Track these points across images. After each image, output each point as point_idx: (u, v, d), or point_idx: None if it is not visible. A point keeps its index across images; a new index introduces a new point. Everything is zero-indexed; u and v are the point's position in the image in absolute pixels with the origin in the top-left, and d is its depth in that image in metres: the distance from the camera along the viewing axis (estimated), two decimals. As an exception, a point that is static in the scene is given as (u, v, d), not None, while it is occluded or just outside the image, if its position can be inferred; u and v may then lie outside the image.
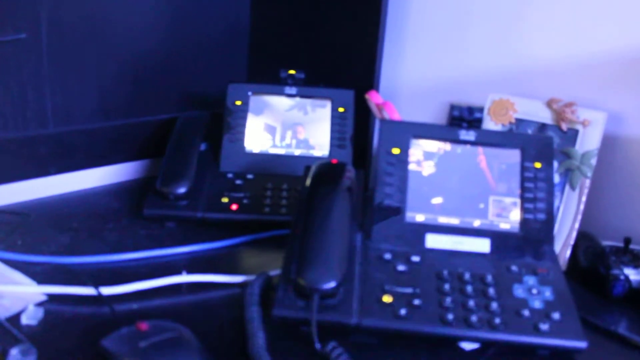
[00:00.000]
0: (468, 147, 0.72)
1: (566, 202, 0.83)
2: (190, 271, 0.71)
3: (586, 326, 0.67)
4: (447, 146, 0.72)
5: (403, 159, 0.71)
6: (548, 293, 0.64)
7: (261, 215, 0.85)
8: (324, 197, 0.67)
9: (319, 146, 0.94)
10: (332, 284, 0.60)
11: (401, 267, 0.65)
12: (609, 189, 0.87)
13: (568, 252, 0.81)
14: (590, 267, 0.77)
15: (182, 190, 0.85)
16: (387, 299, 0.62)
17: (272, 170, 0.92)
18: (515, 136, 0.78)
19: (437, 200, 0.71)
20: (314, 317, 0.58)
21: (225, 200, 0.87)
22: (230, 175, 0.91)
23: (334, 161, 0.77)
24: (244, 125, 0.94)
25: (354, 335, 0.61)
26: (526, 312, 0.62)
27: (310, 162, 0.73)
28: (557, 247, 0.81)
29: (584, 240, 0.81)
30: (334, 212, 0.65)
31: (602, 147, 0.83)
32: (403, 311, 0.61)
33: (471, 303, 0.62)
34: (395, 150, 0.71)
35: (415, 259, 0.67)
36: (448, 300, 0.62)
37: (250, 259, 0.80)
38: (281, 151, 0.94)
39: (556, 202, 0.83)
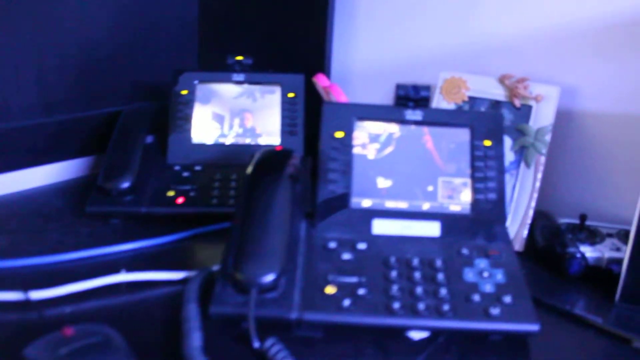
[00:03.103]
0: (415, 127, 0.69)
1: (522, 180, 0.80)
2: (133, 269, 0.68)
3: (542, 307, 0.65)
4: (393, 127, 0.70)
5: (347, 143, 0.68)
6: (500, 276, 0.62)
7: (208, 208, 0.82)
8: (264, 186, 0.64)
9: (269, 133, 0.91)
10: (270, 277, 0.57)
11: (346, 256, 0.63)
12: (565, 165, 0.85)
13: (525, 232, 0.78)
14: (547, 246, 0.75)
15: (125, 185, 0.81)
16: (330, 290, 0.59)
17: (221, 161, 0.88)
18: (464, 114, 0.75)
19: (384, 184, 0.68)
20: (251, 312, 0.55)
21: (171, 193, 0.83)
22: (177, 167, 0.87)
23: (279, 148, 0.74)
24: (190, 115, 0.90)
25: (297, 330, 0.58)
26: (476, 297, 0.59)
27: (259, 150, 0.70)
28: (514, 226, 0.79)
29: (541, 218, 0.79)
30: (274, 201, 0.63)
31: (557, 122, 0.81)
32: (347, 302, 0.58)
33: (419, 290, 0.59)
34: (339, 134, 0.68)
35: (362, 246, 0.64)
36: (394, 288, 0.60)
37: (197, 253, 0.77)
38: (230, 140, 0.90)
39: (512, 181, 0.80)
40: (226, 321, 0.58)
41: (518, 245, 0.78)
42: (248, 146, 0.90)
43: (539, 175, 0.79)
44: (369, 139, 0.69)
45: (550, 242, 0.74)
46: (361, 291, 0.59)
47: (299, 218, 0.67)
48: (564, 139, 0.84)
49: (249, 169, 0.67)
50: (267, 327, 0.57)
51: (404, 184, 0.68)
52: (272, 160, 0.68)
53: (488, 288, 0.60)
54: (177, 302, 0.62)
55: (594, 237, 0.74)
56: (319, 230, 0.65)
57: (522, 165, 0.81)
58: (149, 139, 0.90)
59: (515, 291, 0.60)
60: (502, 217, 0.67)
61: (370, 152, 0.69)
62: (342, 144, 0.68)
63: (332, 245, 0.64)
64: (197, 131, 0.90)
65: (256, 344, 0.54)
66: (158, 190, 0.84)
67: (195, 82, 0.92)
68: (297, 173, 0.69)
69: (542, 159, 0.80)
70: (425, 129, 0.69)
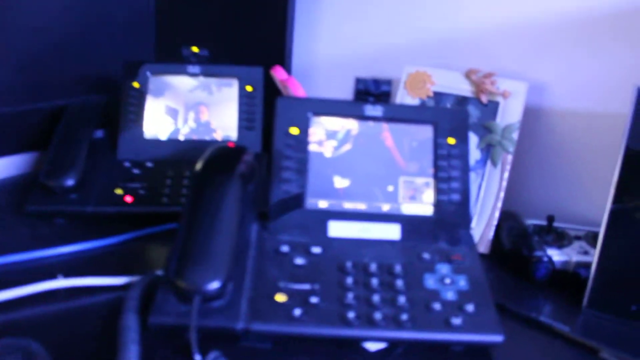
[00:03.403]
0: (374, 123, 0.66)
1: (488, 179, 0.77)
2: (75, 273, 0.63)
3: (506, 314, 0.62)
4: (351, 123, 0.66)
5: (302, 140, 0.64)
6: (462, 282, 0.58)
7: (158, 207, 0.77)
8: (212, 186, 0.60)
9: (226, 129, 0.86)
10: (215, 284, 0.52)
11: (299, 261, 0.59)
12: (533, 165, 0.82)
13: (491, 233, 0.75)
14: (513, 249, 0.71)
15: (69, 182, 0.76)
16: (280, 298, 0.55)
17: (174, 157, 0.84)
18: (427, 110, 0.71)
19: (341, 184, 0.64)
20: (193, 323, 0.51)
21: (119, 191, 0.78)
22: (127, 164, 0.82)
23: (231, 144, 0.69)
24: (142, 109, 0.85)
25: (244, 341, 0.54)
26: (437, 306, 0.55)
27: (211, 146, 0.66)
28: (480, 227, 0.75)
29: (508, 220, 0.76)
30: (222, 201, 0.58)
31: (525, 119, 0.78)
32: (298, 311, 0.54)
33: (376, 298, 0.56)
34: (294, 130, 0.64)
35: (316, 250, 0.60)
36: (350, 296, 0.56)
37: (145, 256, 0.72)
38: (184, 136, 0.85)
39: (478, 180, 0.77)
40: (168, 332, 0.54)
41: (483, 247, 0.75)
42: (203, 142, 0.85)
43: (506, 175, 0.76)
44: (326, 135, 0.65)
45: (516, 244, 0.71)
46: (314, 299, 0.55)
47: (251, 220, 0.62)
48: (532, 137, 0.81)
49: (198, 167, 0.62)
50: (213, 338, 0.53)
51: (362, 184, 0.64)
52: (222, 158, 0.64)
53: (450, 295, 0.57)
54: (117, 311, 0.58)
55: (561, 239, 0.71)
56: (272, 232, 0.61)
57: (489, 163, 0.77)
58: (99, 134, 0.86)
59: (479, 299, 0.57)
60: (466, 220, 0.64)
61: (327, 150, 0.65)
62: (297, 141, 0.64)
63: (285, 249, 0.60)
64: (149, 126, 0.85)
65: (197, 358, 0.50)
66: (106, 188, 0.79)
67: (148, 74, 0.86)
68: (250, 171, 0.65)
69: (509, 158, 0.76)
70: (385, 126, 0.65)
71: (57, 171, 0.77)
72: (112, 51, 0.99)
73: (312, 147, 0.64)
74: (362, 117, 0.65)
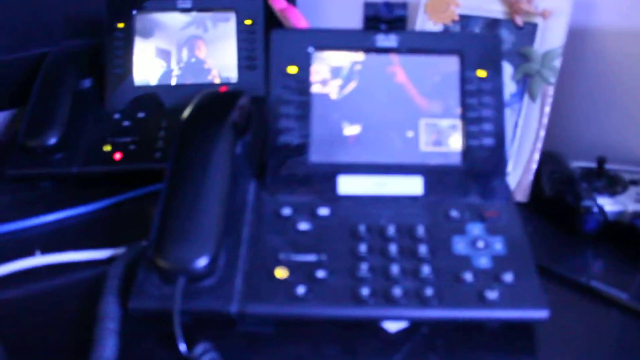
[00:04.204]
0: (382, 56, 0.55)
1: (526, 116, 0.67)
2: (59, 246, 0.56)
3: (551, 278, 0.53)
4: (361, 57, 0.55)
5: (303, 79, 0.54)
6: (499, 245, 0.49)
7: (150, 163, 0.69)
8: (197, 140, 0.51)
9: (225, 69, 0.76)
10: (202, 262, 0.44)
11: (303, 226, 0.50)
12: (579, 96, 0.72)
13: (530, 179, 0.65)
14: (557, 197, 0.62)
15: (51, 141, 0.69)
16: (280, 273, 0.47)
17: (168, 105, 0.75)
18: (451, 38, 0.60)
19: (351, 131, 0.54)
20: (176, 308, 0.43)
21: (107, 148, 0.70)
22: (116, 116, 0.74)
23: (223, 89, 0.60)
24: (130, 53, 0.76)
25: (241, 325, 0.46)
26: (468, 276, 0.46)
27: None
28: (517, 173, 0.66)
29: (549, 162, 0.66)
30: (209, 158, 0.49)
31: (568, 44, 0.67)
32: (301, 289, 0.45)
33: (394, 269, 0.47)
34: (292, 69, 0.54)
35: (324, 211, 0.51)
36: (364, 268, 0.47)
37: (136, 221, 0.64)
38: (178, 80, 0.76)
39: (513, 117, 0.67)
40: (152, 318, 0.46)
41: (521, 195, 0.65)
42: (200, 85, 0.76)
43: (547, 110, 0.66)
44: (331, 73, 0.55)
45: (560, 192, 0.61)
46: (320, 273, 0.46)
47: (247, 177, 0.54)
48: (577, 64, 0.70)
49: (183, 117, 0.53)
50: (207, 322, 0.45)
51: (376, 130, 0.54)
52: (211, 105, 0.55)
53: (483, 263, 0.48)
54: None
55: (614, 185, 0.61)
56: (271, 192, 0.52)
57: (526, 97, 0.67)
58: (86, 84, 0.77)
59: (519, 266, 0.47)
60: (502, 168, 0.54)
61: (333, 91, 0.55)
62: (297, 82, 0.54)
63: (287, 211, 0.51)
64: (139, 71, 0.76)
65: (182, 349, 0.42)
66: (93, 145, 0.71)
67: (134, 12, 0.77)
68: (246, 119, 0.56)
69: (551, 90, 0.66)
70: (395, 58, 0.55)
71: (37, 129, 0.69)
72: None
73: (315, 88, 0.54)
74: (373, 50, 0.55)
